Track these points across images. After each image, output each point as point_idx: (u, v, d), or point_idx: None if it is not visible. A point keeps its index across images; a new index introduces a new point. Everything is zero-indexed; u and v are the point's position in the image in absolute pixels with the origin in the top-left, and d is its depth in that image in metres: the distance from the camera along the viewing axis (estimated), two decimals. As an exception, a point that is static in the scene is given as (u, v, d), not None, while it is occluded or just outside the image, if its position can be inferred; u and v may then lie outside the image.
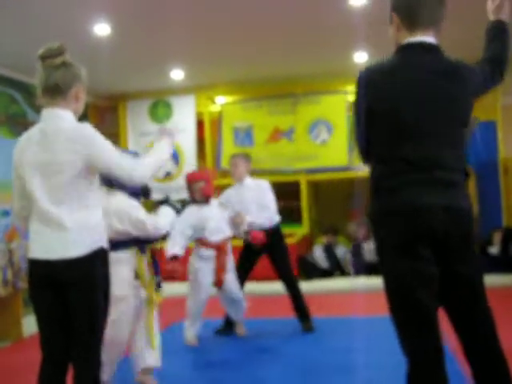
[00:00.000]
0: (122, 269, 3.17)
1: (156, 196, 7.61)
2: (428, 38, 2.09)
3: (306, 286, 5.96)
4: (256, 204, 4.75)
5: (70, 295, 2.25)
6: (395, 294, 2.04)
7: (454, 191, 2.01)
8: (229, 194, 4.91)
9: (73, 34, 5.17)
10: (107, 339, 2.77)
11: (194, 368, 4.04)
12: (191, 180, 4.54)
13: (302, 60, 6.65)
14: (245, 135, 7.66)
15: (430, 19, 2.09)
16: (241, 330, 4.71)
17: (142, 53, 6.10)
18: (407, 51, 2.10)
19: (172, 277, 6.99)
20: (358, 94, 2.14)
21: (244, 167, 4.87)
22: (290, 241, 7.10)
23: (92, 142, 2.28)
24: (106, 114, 8.49)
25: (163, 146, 2.61)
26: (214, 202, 4.55)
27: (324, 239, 7.46)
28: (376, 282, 6.20)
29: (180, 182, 7.57)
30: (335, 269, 7.23)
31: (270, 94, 7.63)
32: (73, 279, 2.23)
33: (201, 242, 4.40)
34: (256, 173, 7.68)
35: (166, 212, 3.34)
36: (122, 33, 5.35)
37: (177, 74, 7.02)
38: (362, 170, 7.45)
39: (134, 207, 3.24)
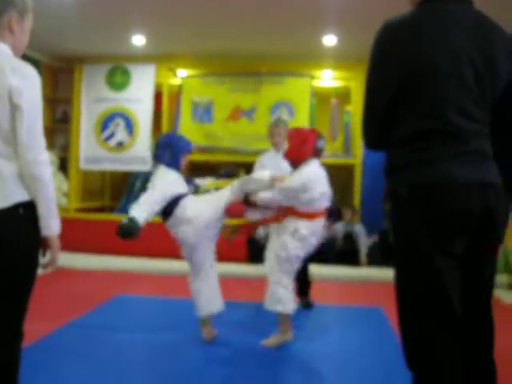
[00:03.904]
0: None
1: (105, 166, 7.32)
2: None
3: (254, 270, 5.85)
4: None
5: None
6: (419, 286, 1.82)
7: (490, 165, 1.83)
8: (263, 160, 4.84)
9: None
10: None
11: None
12: None
13: (269, 38, 6.44)
14: (204, 111, 7.41)
15: None
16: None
17: (103, 12, 5.74)
18: (439, 0, 1.84)
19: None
20: (383, 54, 1.86)
21: (285, 137, 4.65)
22: (241, 222, 6.94)
23: (27, 85, 1.95)
24: (60, 76, 8.11)
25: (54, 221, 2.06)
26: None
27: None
28: (318, 270, 6.14)
29: (133, 152, 7.31)
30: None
31: (233, 70, 7.38)
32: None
33: None
34: (214, 151, 7.51)
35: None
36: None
37: (138, 40, 6.69)
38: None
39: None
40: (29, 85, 1.97)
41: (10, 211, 1.96)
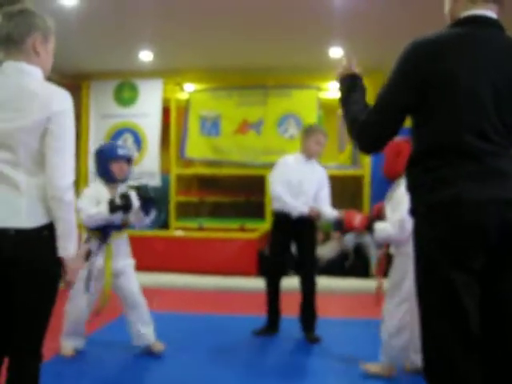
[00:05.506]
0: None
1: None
2: (490, 13, 1.90)
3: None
4: (316, 188, 4.39)
5: (17, 276, 1.99)
6: (436, 301, 1.83)
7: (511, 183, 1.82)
8: (290, 163, 4.39)
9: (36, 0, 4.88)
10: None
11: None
12: None
13: (275, 52, 6.47)
14: (212, 125, 7.44)
15: None
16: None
17: (111, 28, 5.80)
18: (469, 24, 1.89)
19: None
20: (405, 71, 1.89)
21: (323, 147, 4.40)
22: (251, 236, 6.96)
23: (62, 115, 2.00)
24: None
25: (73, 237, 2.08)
26: None
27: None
28: (330, 283, 6.08)
29: (141, 167, 7.33)
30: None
31: (240, 84, 7.42)
32: (22, 257, 1.98)
33: None
34: (222, 164, 7.52)
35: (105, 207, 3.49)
36: (90, 5, 5.05)
37: (146, 56, 6.74)
38: (326, 169, 7.35)
39: (84, 195, 3.58)
40: (64, 111, 2.01)
41: (36, 232, 2.00)
